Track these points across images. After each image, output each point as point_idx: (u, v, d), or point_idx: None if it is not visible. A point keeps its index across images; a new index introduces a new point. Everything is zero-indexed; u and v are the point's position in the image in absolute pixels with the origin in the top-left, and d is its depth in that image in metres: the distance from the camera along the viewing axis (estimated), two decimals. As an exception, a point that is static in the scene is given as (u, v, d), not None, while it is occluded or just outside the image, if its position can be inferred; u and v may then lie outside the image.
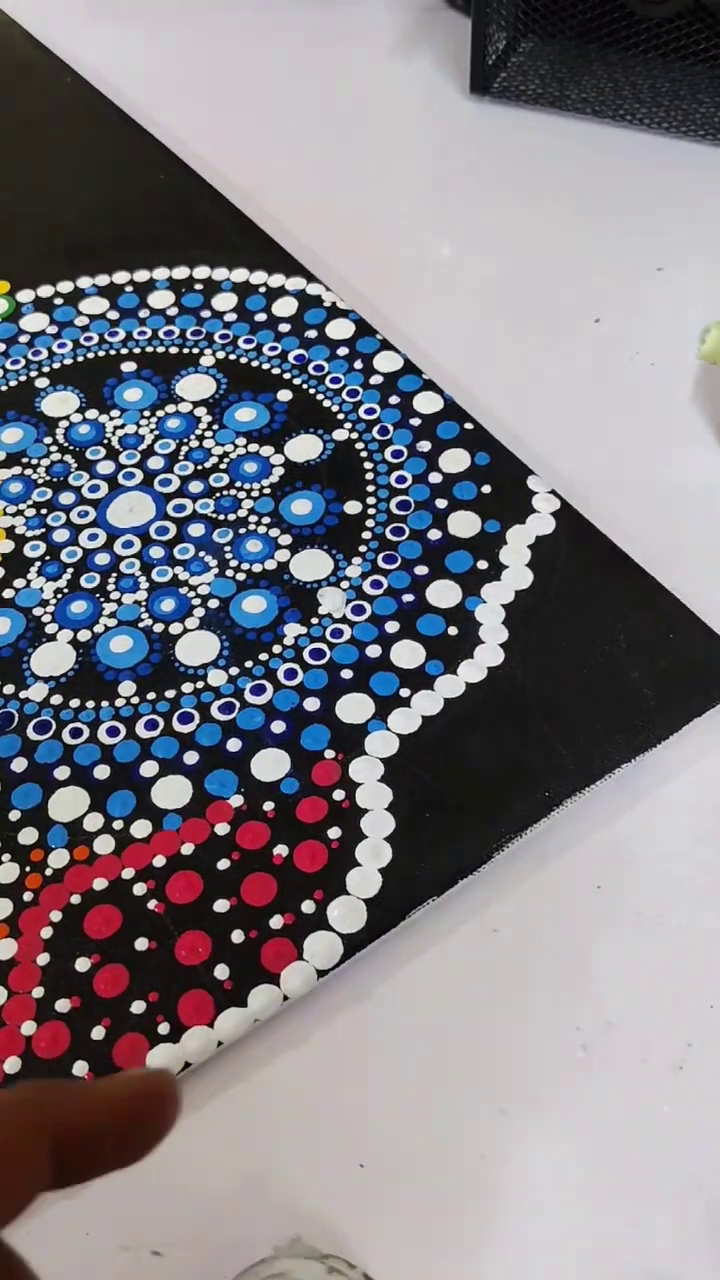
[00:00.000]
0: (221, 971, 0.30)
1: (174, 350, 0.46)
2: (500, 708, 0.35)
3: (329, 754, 0.34)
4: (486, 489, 0.41)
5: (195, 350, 0.46)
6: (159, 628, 0.38)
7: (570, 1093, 0.29)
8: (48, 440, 0.43)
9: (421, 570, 0.38)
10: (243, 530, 0.40)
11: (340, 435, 0.43)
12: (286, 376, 0.45)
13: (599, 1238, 0.27)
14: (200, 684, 0.36)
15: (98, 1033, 0.29)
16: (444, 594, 0.38)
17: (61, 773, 0.34)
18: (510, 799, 0.33)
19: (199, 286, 0.49)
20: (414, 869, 0.32)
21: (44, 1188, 0.17)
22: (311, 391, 0.44)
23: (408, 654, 0.36)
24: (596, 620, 0.37)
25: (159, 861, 0.32)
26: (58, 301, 0.48)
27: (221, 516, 0.41)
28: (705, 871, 0.33)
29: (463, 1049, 0.30)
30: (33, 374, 0.46)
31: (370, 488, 0.41)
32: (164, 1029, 0.29)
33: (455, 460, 0.41)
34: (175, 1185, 0.28)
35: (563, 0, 0.55)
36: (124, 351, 0.46)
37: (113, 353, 0.46)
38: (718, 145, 0.55)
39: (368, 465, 0.42)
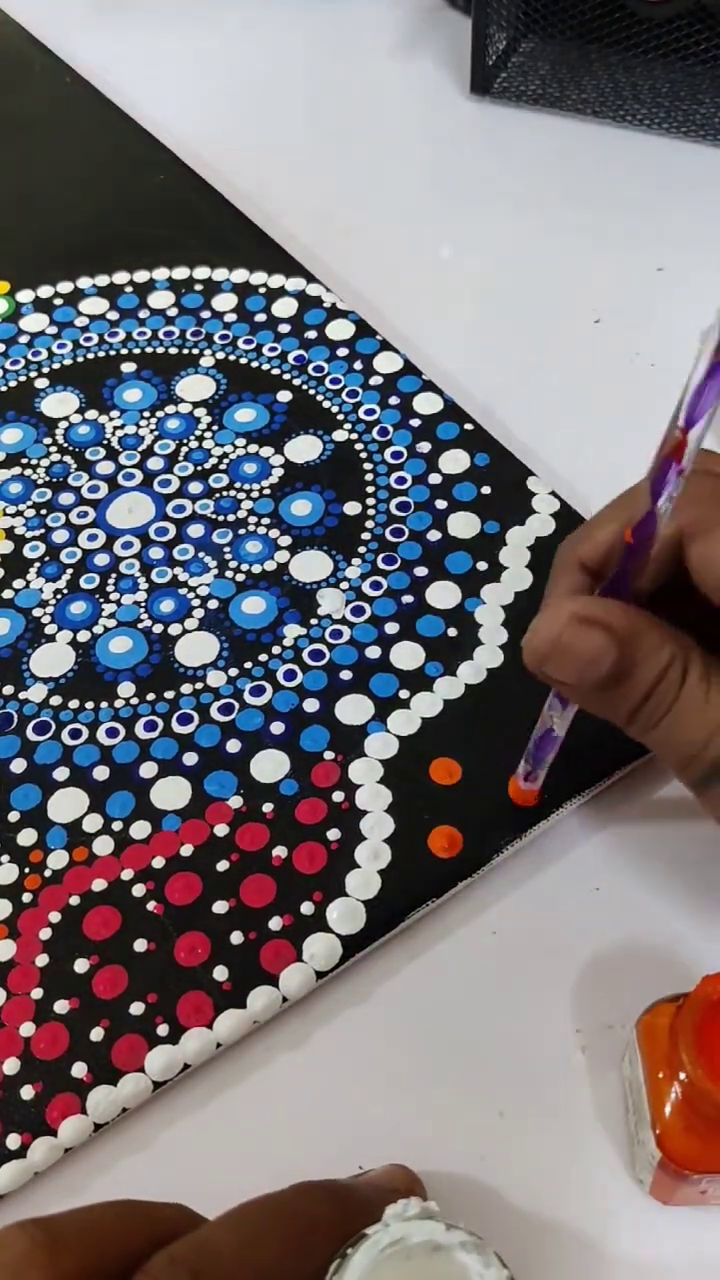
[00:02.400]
0: (220, 973, 0.30)
1: (174, 351, 0.46)
2: (499, 709, 0.35)
3: (328, 755, 0.34)
4: (486, 490, 0.41)
5: (195, 351, 0.46)
6: (158, 629, 0.38)
7: (570, 1095, 0.29)
8: (47, 441, 0.43)
9: (421, 571, 0.38)
10: (242, 531, 0.40)
11: (340, 436, 0.43)
12: (286, 377, 0.45)
13: (600, 1239, 0.27)
14: (200, 685, 0.36)
15: (96, 1034, 0.29)
16: (443, 595, 0.38)
17: (61, 774, 0.34)
18: (509, 801, 0.33)
19: (199, 287, 0.49)
20: (413, 871, 0.32)
21: None
22: (311, 392, 0.44)
23: (407, 655, 0.36)
24: (596, 621, 0.37)
25: (158, 863, 0.32)
26: (57, 302, 0.48)
27: (221, 517, 0.41)
28: (705, 874, 0.33)
29: (462, 1051, 0.30)
30: (32, 374, 0.46)
31: (370, 489, 0.41)
32: (163, 1030, 0.29)
33: (455, 461, 0.41)
34: (173, 1188, 0.28)
35: (563, 1, 0.55)
36: (124, 352, 0.46)
37: (112, 353, 0.46)
38: (718, 145, 0.55)
39: (367, 466, 0.42)
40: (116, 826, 0.33)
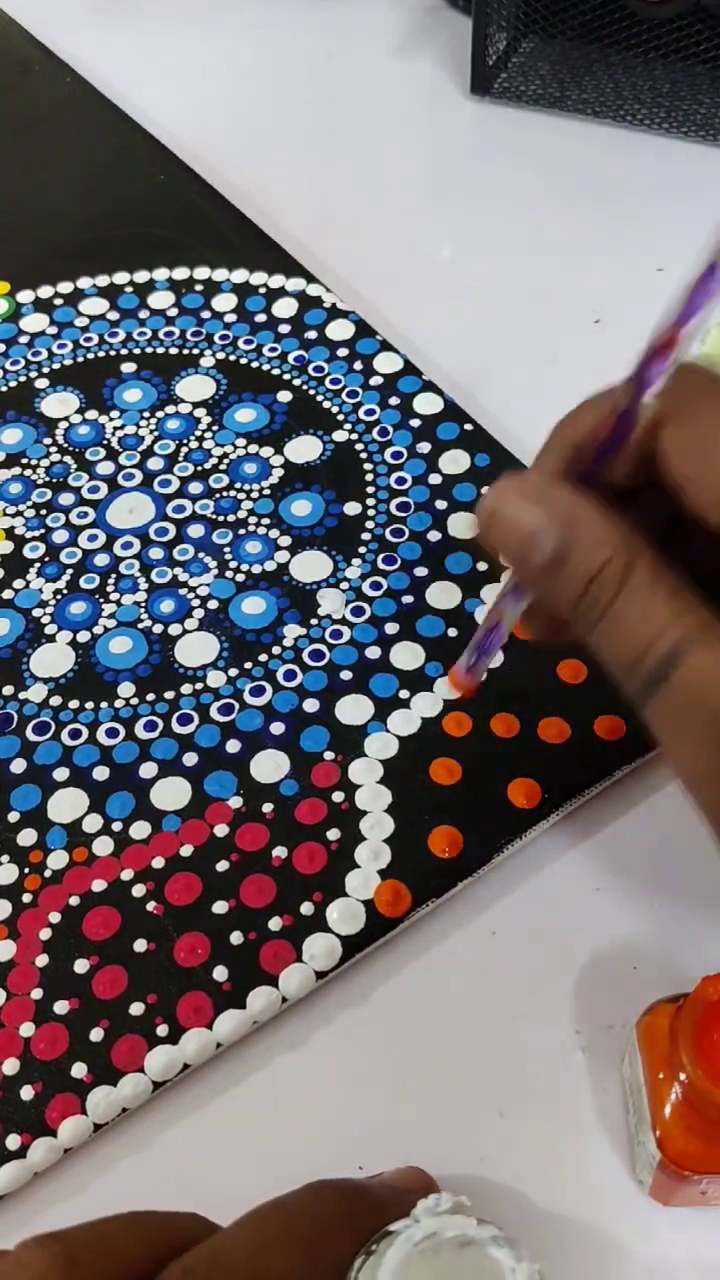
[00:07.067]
0: (220, 973, 0.30)
1: (174, 351, 0.46)
2: (499, 710, 0.35)
3: (328, 755, 0.34)
4: (486, 490, 0.40)
5: (195, 351, 0.46)
6: (158, 629, 0.38)
7: (570, 1095, 0.29)
8: (47, 441, 0.43)
9: (421, 572, 0.38)
10: (242, 531, 0.40)
11: (340, 436, 0.43)
12: (286, 377, 0.45)
13: (600, 1240, 0.27)
14: (199, 685, 0.36)
15: (96, 1034, 0.29)
16: (444, 595, 0.38)
17: (61, 774, 0.34)
18: (510, 801, 0.33)
19: (199, 287, 0.49)
20: (413, 871, 0.32)
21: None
22: (311, 393, 0.44)
23: (407, 655, 0.36)
24: (596, 622, 0.37)
25: (158, 863, 0.32)
26: (57, 302, 0.48)
27: (221, 518, 0.41)
28: (705, 874, 0.33)
29: (462, 1051, 0.30)
30: (32, 375, 0.46)
31: (370, 489, 0.41)
32: (163, 1031, 0.29)
33: (455, 461, 0.41)
34: (173, 1189, 0.28)
35: (564, 1, 0.55)
36: (124, 352, 0.46)
37: (112, 353, 0.46)
38: (718, 146, 0.55)
39: (367, 466, 0.42)
40: (116, 827, 0.33)
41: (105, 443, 0.43)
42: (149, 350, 0.46)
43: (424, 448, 0.42)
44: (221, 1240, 0.20)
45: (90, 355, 0.46)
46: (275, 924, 0.31)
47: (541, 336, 0.48)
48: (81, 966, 0.31)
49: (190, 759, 0.34)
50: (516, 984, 0.31)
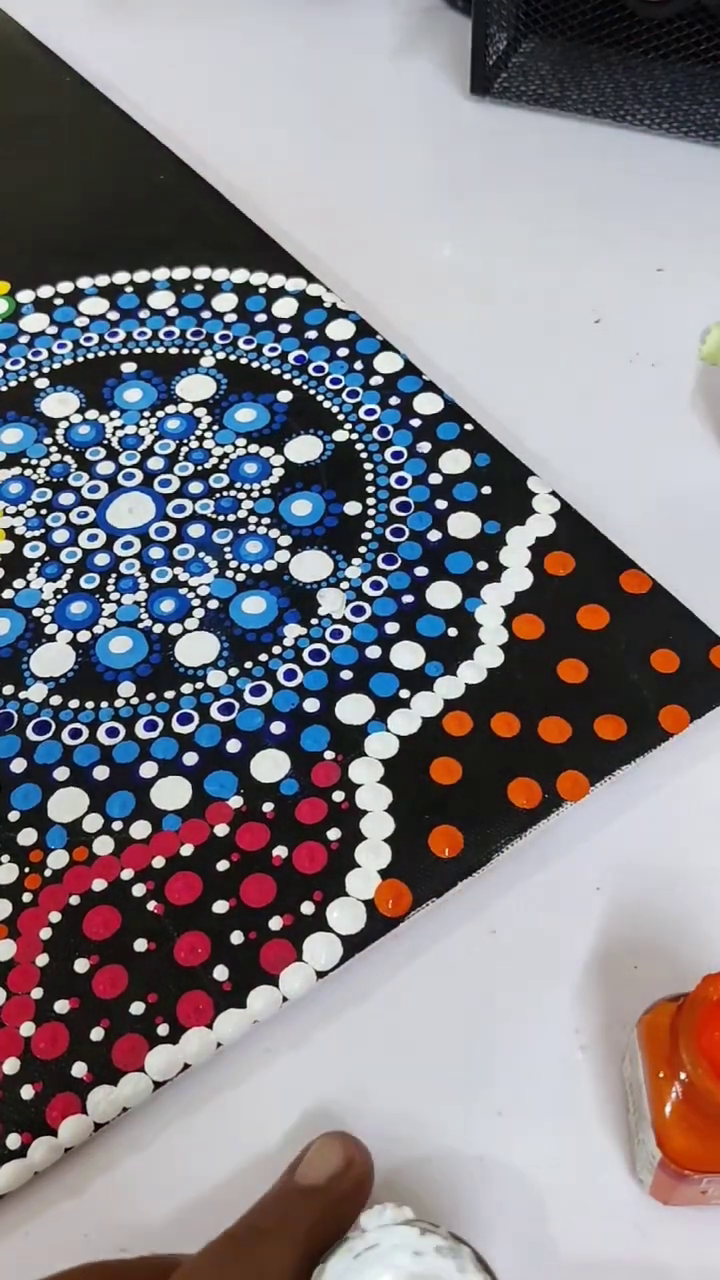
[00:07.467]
0: (221, 973, 0.30)
1: (174, 351, 0.46)
2: (500, 709, 0.35)
3: (328, 755, 0.34)
4: (486, 490, 0.41)
5: (195, 351, 0.46)
6: (158, 628, 0.38)
7: (570, 1095, 0.29)
8: (47, 441, 0.43)
9: (421, 571, 0.38)
10: (242, 531, 0.40)
11: (340, 436, 0.43)
12: (286, 377, 0.45)
13: (601, 1239, 0.27)
14: (200, 685, 0.36)
15: (97, 1034, 0.29)
16: (444, 595, 0.38)
17: (61, 773, 0.34)
18: (510, 800, 0.33)
19: (199, 287, 0.49)
20: (413, 871, 0.32)
21: None
22: (311, 392, 0.44)
23: (407, 655, 0.36)
24: (596, 622, 0.37)
25: (158, 862, 0.32)
26: (58, 302, 0.48)
27: (221, 517, 0.41)
28: (705, 873, 0.33)
29: (461, 1050, 0.30)
30: (32, 374, 0.46)
31: (370, 489, 0.41)
32: (163, 1030, 0.29)
33: (455, 461, 0.41)
34: (173, 1188, 0.28)
35: (564, 1, 0.55)
36: (124, 352, 0.46)
37: (113, 353, 0.46)
38: (718, 145, 0.55)
39: (368, 466, 0.42)
40: (116, 826, 0.33)
41: (105, 442, 0.43)
42: (149, 350, 0.46)
43: (424, 447, 0.42)
44: None
45: (90, 355, 0.46)
46: (276, 923, 0.31)
47: (541, 336, 0.48)
48: (82, 966, 0.31)
49: (190, 758, 0.34)
50: (516, 984, 0.31)
